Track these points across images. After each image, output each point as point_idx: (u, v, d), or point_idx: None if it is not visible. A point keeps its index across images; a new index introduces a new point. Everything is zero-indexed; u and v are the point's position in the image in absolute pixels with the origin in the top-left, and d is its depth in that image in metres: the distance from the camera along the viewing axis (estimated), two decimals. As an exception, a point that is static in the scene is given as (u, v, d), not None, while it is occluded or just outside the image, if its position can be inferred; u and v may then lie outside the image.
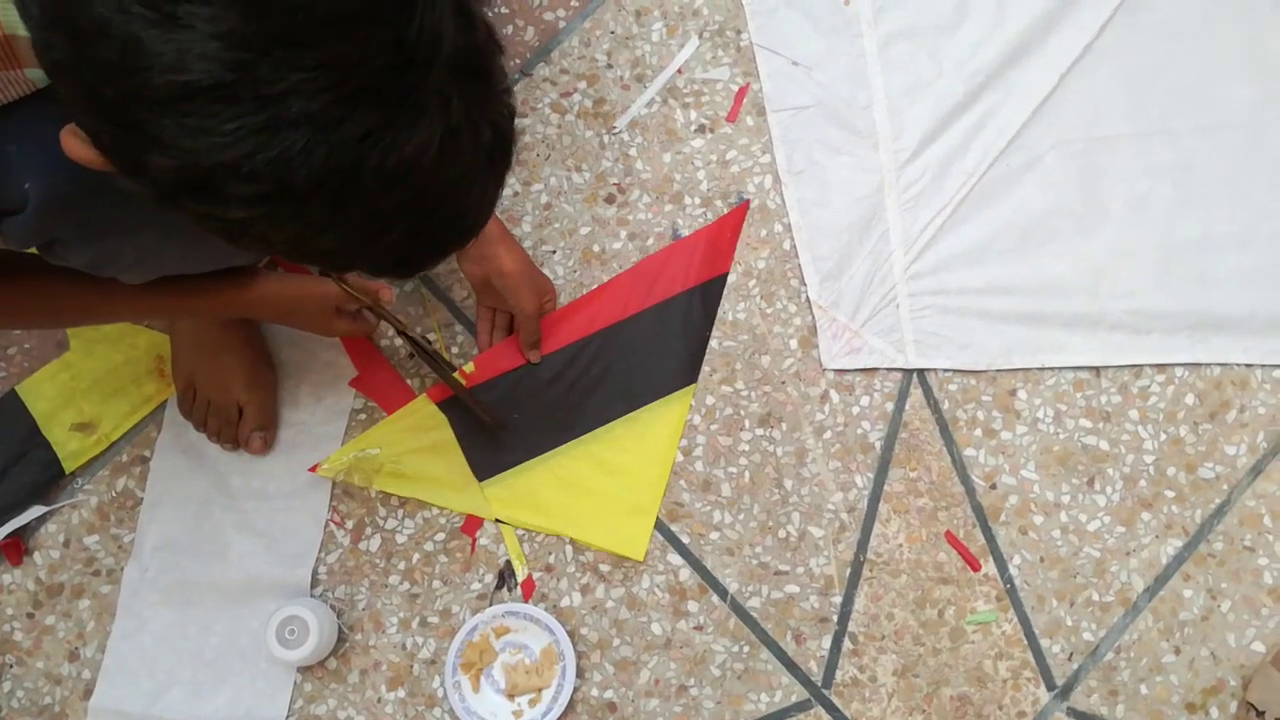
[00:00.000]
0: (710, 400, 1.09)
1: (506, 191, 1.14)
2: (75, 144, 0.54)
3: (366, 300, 0.96)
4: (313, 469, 1.04)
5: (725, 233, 1.12)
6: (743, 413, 1.09)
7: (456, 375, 1.04)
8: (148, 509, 1.08)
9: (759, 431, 1.08)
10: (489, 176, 0.56)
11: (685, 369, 1.09)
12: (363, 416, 1.09)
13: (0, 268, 0.78)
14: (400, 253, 0.56)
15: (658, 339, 1.09)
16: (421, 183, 0.51)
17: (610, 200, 1.15)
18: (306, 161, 0.47)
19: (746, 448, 1.08)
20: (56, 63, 0.49)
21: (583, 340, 1.09)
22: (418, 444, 1.06)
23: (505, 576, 1.04)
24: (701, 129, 1.16)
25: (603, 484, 1.06)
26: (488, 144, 0.54)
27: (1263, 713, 0.97)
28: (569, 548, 1.05)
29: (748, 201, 1.10)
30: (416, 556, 1.05)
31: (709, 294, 1.11)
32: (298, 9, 0.45)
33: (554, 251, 1.13)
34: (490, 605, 1.02)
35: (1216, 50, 1.15)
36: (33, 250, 0.73)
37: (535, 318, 1.05)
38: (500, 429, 1.05)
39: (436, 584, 1.04)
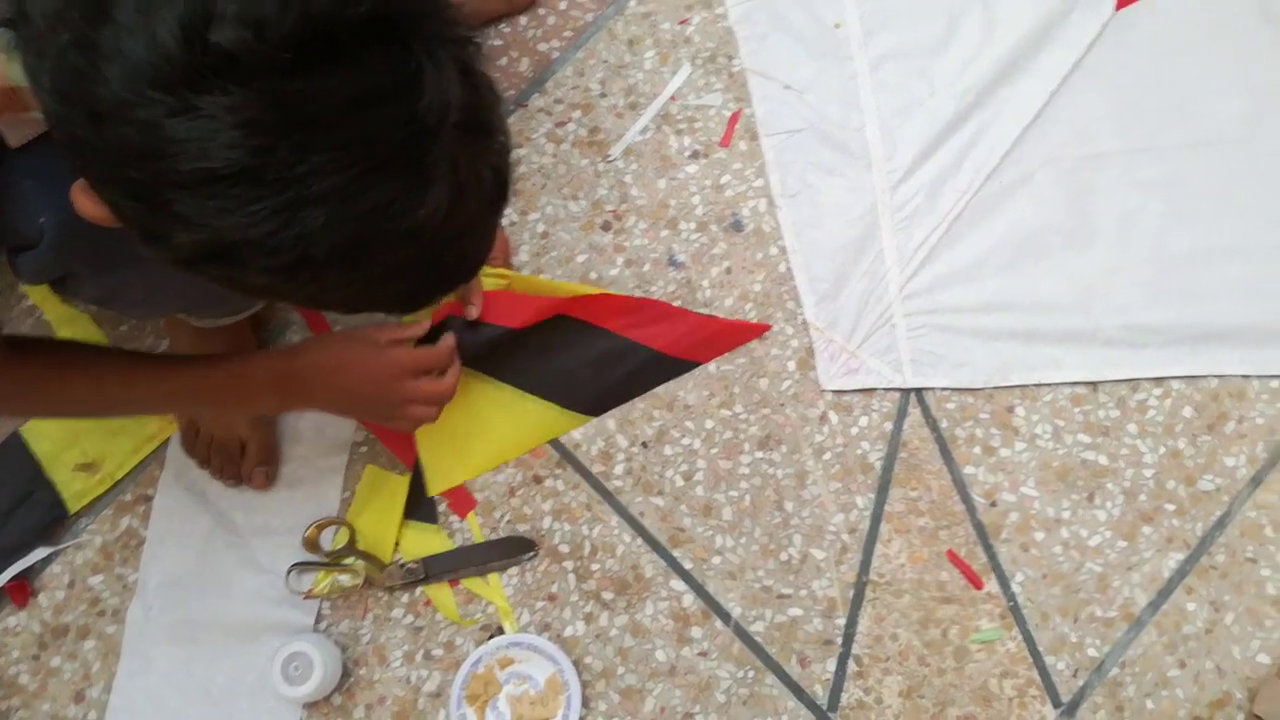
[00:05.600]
0: (709, 424, 1.09)
1: (504, 221, 1.16)
2: (88, 204, 0.55)
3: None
4: (306, 595, 1.04)
5: (731, 336, 1.11)
6: (742, 436, 1.09)
7: None
8: (151, 547, 1.08)
9: (759, 454, 1.08)
10: (491, 217, 0.58)
11: (595, 402, 1.09)
12: (364, 449, 1.09)
13: (13, 349, 0.77)
14: (411, 296, 0.58)
15: (603, 365, 1.08)
16: (432, 237, 0.53)
17: (606, 227, 1.15)
18: (327, 235, 0.49)
19: (747, 471, 1.08)
20: (73, 136, 0.49)
21: (553, 315, 1.06)
22: (378, 505, 1.07)
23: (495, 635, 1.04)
24: (695, 154, 1.17)
25: (472, 421, 1.06)
26: (489, 190, 0.55)
27: None
28: (571, 577, 1.05)
29: (768, 327, 1.10)
30: (419, 589, 1.05)
31: (664, 368, 1.10)
32: (318, 96, 0.46)
33: (552, 280, 1.14)
34: (493, 637, 1.03)
35: (1205, 66, 1.16)
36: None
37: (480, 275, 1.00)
38: None
39: (439, 616, 1.04)
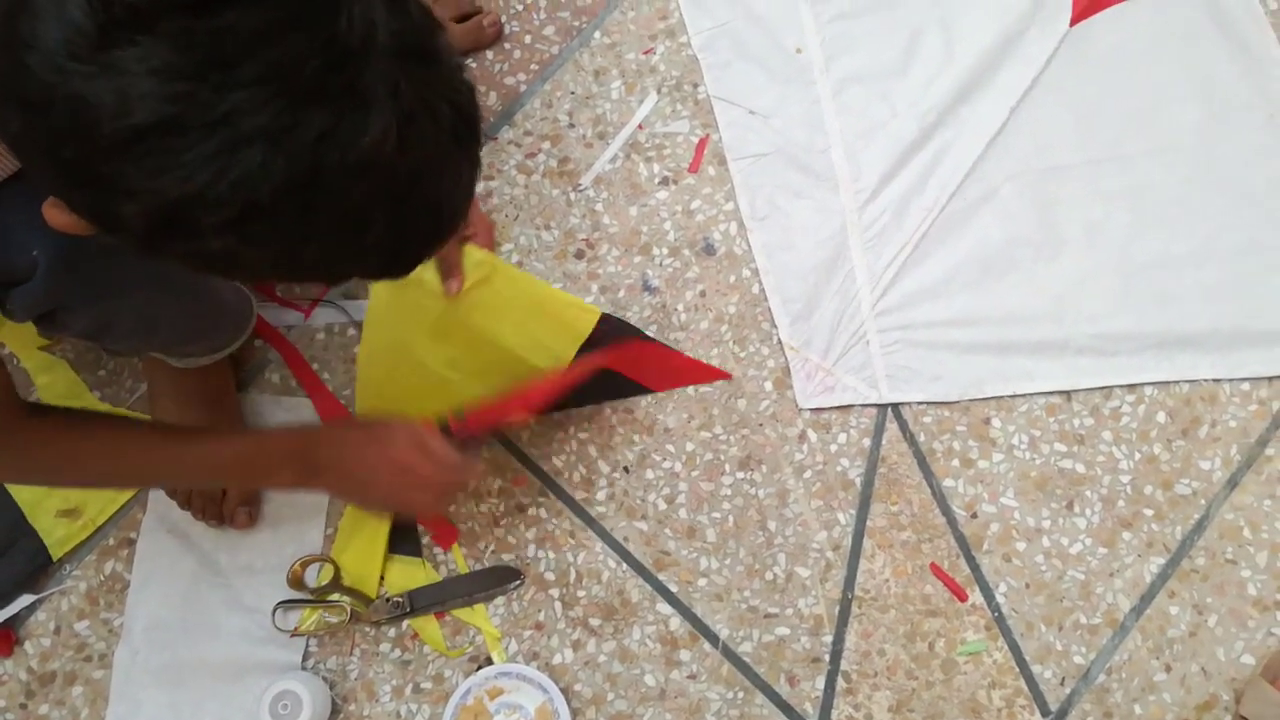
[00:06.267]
0: (690, 446, 1.10)
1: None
2: (56, 214, 0.55)
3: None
4: (293, 633, 1.04)
5: (692, 374, 1.11)
6: (723, 457, 1.10)
7: None
8: (136, 591, 1.08)
9: (740, 475, 1.09)
10: (459, 157, 0.55)
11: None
12: (346, 485, 1.09)
13: (34, 415, 0.77)
14: (386, 251, 0.55)
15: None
16: (388, 173, 0.51)
17: (580, 256, 1.17)
18: (267, 175, 0.47)
19: (729, 492, 1.09)
20: (15, 136, 0.50)
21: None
22: (361, 540, 1.07)
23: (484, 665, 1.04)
24: (665, 181, 1.19)
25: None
26: (449, 123, 0.53)
27: None
28: (558, 604, 1.06)
29: (729, 376, 1.11)
30: (406, 622, 1.05)
31: (617, 386, 1.09)
32: (223, 31, 0.46)
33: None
34: (482, 668, 1.03)
35: (1161, 75, 1.18)
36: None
37: (457, 247, 0.97)
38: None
39: (427, 649, 1.04)
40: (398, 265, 0.57)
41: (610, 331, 1.06)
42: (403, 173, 0.51)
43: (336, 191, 0.49)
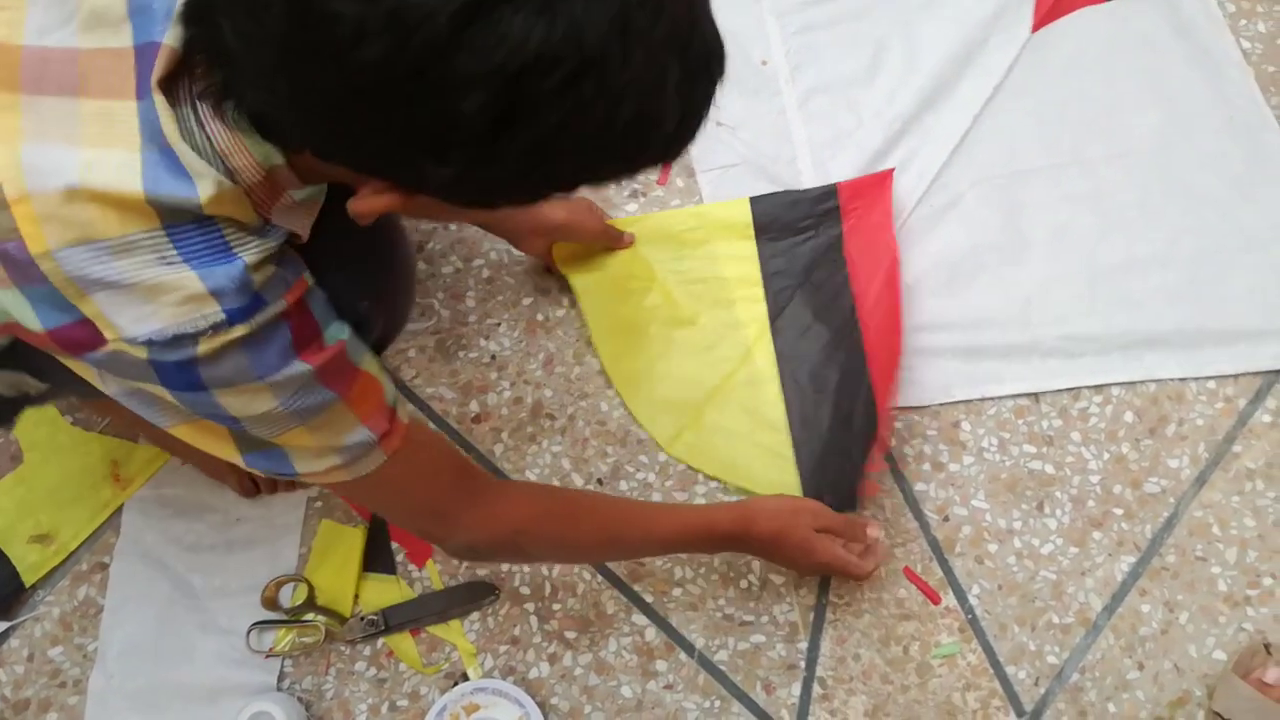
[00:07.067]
0: (663, 457, 1.11)
1: (448, 268, 1.18)
2: (366, 200, 0.59)
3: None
4: (268, 654, 1.04)
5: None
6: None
7: None
8: (110, 615, 1.07)
9: (713, 484, 1.10)
10: (707, 6, 0.57)
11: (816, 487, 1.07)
12: (319, 505, 1.09)
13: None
14: (683, 101, 0.56)
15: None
16: (672, 7, 0.52)
17: (551, 269, 1.17)
18: (590, 21, 0.49)
19: (703, 500, 1.09)
20: (332, 93, 0.51)
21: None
22: (336, 559, 1.07)
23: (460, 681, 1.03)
24: (635, 194, 1.19)
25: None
26: None
27: None
28: (534, 619, 1.06)
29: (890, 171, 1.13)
30: (381, 640, 1.05)
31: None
32: None
33: (499, 324, 1.15)
34: (458, 684, 1.02)
35: (1122, 80, 1.20)
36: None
37: (605, 229, 1.12)
38: None
39: (403, 667, 1.04)
40: (691, 116, 0.57)
41: (774, 212, 1.13)
42: (682, 12, 0.53)
43: (644, 31, 0.51)
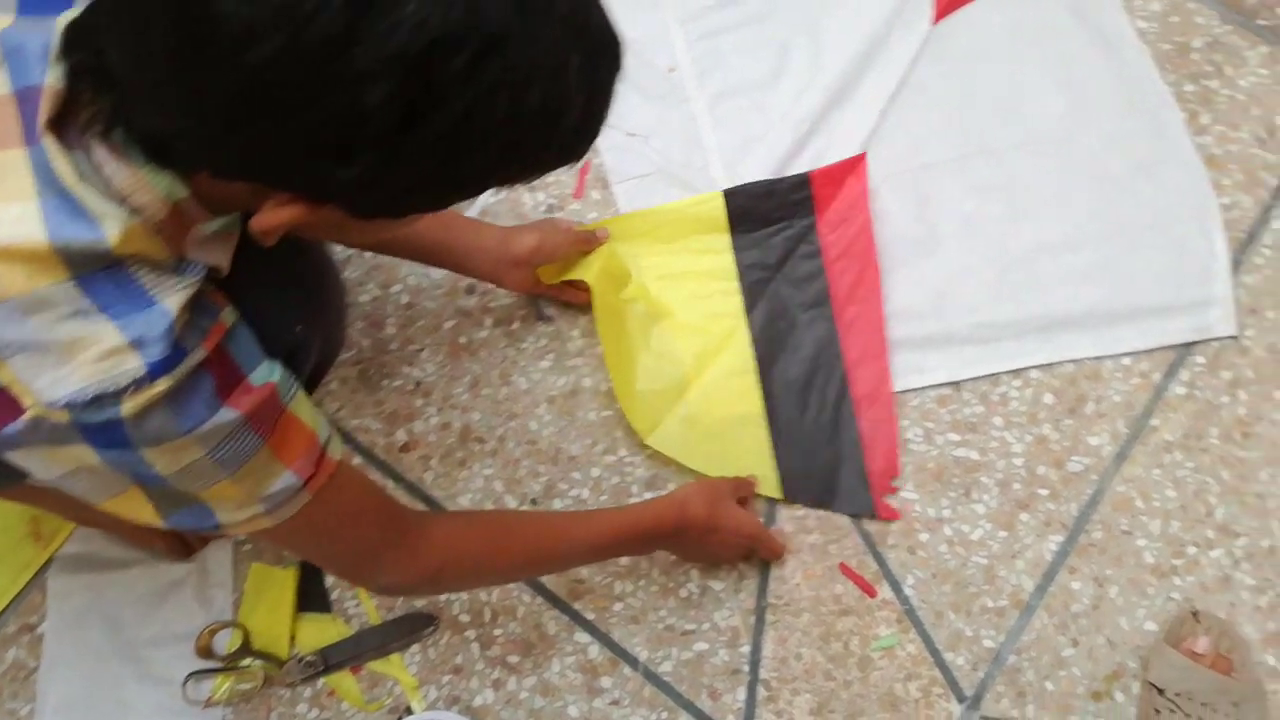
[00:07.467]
0: (596, 472, 1.10)
1: (365, 296, 1.16)
2: (270, 215, 0.57)
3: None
4: (206, 703, 1.03)
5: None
6: (629, 479, 1.10)
7: None
8: (45, 673, 1.05)
9: (648, 495, 1.10)
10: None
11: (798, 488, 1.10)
12: (247, 548, 1.08)
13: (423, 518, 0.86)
14: (586, 84, 0.55)
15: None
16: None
17: (471, 290, 1.16)
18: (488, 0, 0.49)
19: (640, 512, 1.09)
20: (229, 103, 0.50)
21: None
22: (269, 601, 1.06)
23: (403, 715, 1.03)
24: (551, 209, 1.19)
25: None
26: None
27: (1163, 690, 1.00)
28: (475, 646, 1.05)
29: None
30: (321, 681, 1.04)
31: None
32: None
33: (421, 350, 1.15)
34: (403, 718, 1.02)
35: (1023, 67, 1.22)
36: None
37: (578, 236, 1.10)
38: None
39: (345, 705, 1.03)
40: (594, 107, 0.57)
41: (747, 204, 1.14)
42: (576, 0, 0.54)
43: (543, 12, 0.51)
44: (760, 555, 1.07)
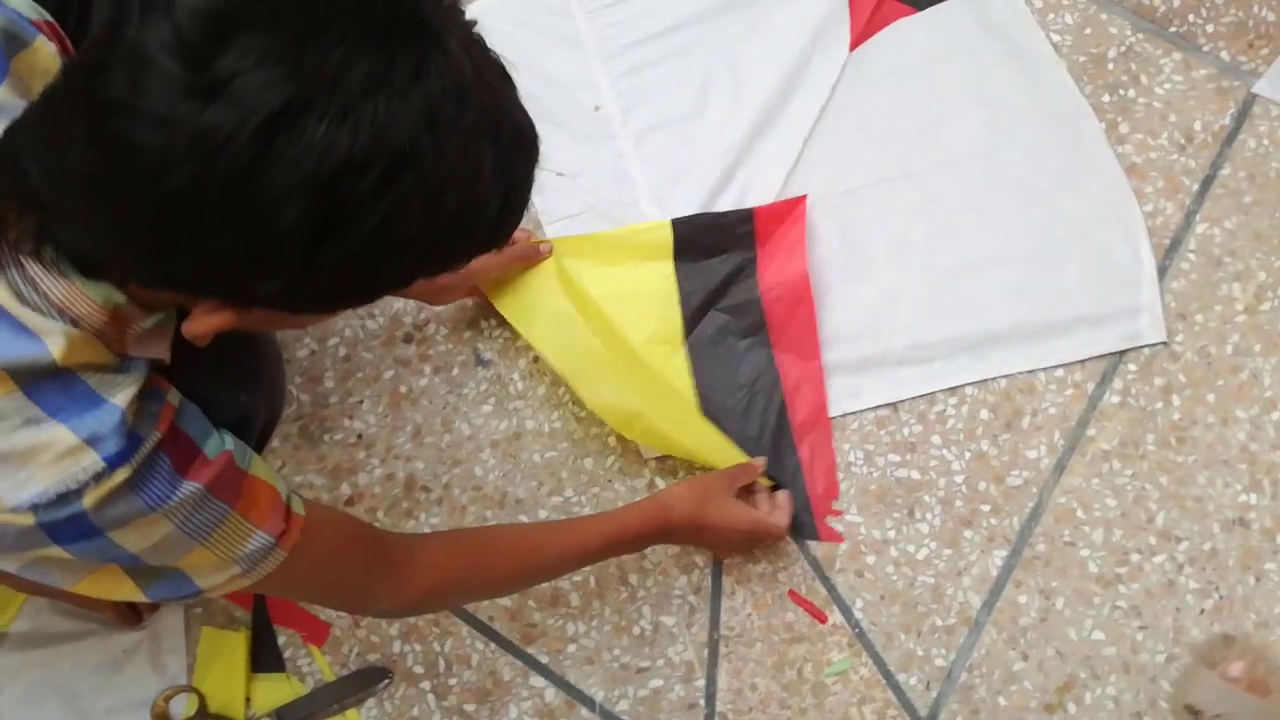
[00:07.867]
0: (543, 514, 1.11)
1: (303, 351, 1.17)
2: (204, 320, 0.58)
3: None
4: None
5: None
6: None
7: None
8: (-1, 751, 1.05)
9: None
10: (507, 86, 0.58)
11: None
12: (199, 611, 1.08)
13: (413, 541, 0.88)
14: (502, 186, 0.56)
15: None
16: (478, 99, 0.53)
17: (409, 339, 1.17)
18: (395, 119, 0.50)
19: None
20: (145, 229, 0.52)
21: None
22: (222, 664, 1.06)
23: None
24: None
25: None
26: (495, 56, 0.57)
27: (1201, 712, 0.99)
28: (431, 697, 1.05)
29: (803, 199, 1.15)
30: (277, 740, 1.04)
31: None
32: (312, 4, 0.50)
33: (361, 401, 1.15)
34: (358, 774, 1.02)
35: (942, 87, 1.23)
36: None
37: (522, 250, 1.12)
38: None
39: (301, 765, 1.03)
40: (513, 200, 0.58)
41: (692, 234, 1.14)
42: (487, 100, 0.54)
43: (452, 123, 0.52)
44: (764, 543, 1.08)
